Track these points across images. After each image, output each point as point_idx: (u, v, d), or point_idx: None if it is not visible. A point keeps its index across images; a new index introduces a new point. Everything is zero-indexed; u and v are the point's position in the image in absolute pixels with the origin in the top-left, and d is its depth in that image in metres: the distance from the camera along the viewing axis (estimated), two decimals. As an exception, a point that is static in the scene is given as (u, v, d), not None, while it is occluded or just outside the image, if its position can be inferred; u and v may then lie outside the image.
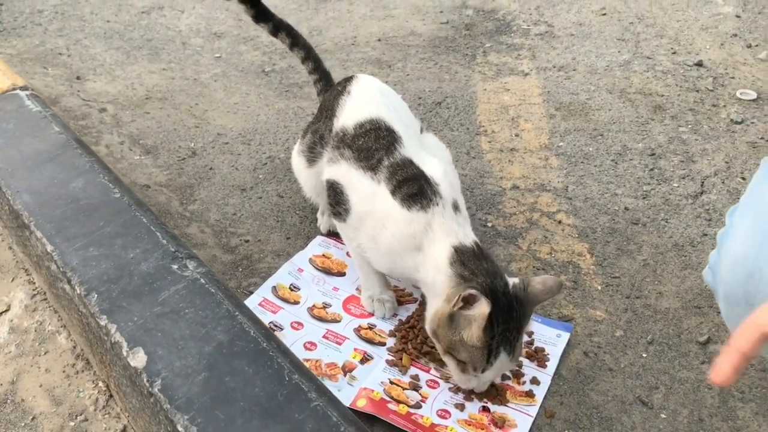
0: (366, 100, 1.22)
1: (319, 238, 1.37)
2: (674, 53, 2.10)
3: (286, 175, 1.51)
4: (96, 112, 1.73)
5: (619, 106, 1.85)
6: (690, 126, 1.77)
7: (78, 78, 1.89)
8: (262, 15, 1.41)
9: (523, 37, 2.19)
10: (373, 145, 1.16)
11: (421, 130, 1.31)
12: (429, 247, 1.10)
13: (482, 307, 0.98)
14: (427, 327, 1.07)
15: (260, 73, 1.99)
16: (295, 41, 1.44)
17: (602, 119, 1.80)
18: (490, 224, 1.47)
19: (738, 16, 2.25)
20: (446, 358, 1.06)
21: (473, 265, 1.07)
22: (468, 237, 1.11)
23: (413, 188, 1.11)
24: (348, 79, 1.30)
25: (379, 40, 2.19)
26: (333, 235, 1.37)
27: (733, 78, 1.96)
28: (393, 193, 1.12)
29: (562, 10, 2.34)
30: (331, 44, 2.18)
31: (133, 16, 2.27)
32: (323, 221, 1.39)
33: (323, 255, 1.33)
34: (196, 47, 2.11)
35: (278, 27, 1.43)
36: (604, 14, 2.31)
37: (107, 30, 2.18)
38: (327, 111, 1.27)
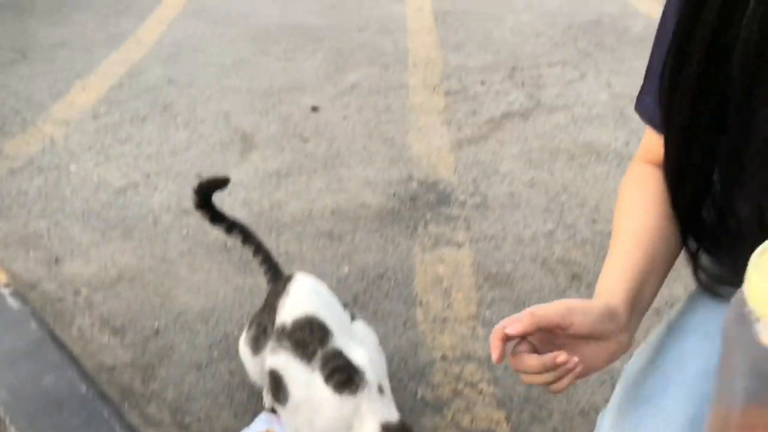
0: (302, 299, 1.44)
1: (263, 415, 1.54)
2: (594, 222, 2.36)
3: (237, 353, 1.70)
4: (71, 295, 1.93)
5: (540, 275, 2.08)
6: (603, 293, 2.00)
7: (56, 261, 2.10)
8: (217, 217, 1.65)
9: (460, 208, 2.46)
10: (308, 338, 1.36)
11: (353, 317, 1.51)
12: (359, 428, 1.30)
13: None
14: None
15: (222, 249, 2.22)
16: (246, 237, 1.67)
17: (525, 288, 2.02)
18: (419, 395, 1.65)
19: (650, 186, 2.54)
20: None
21: (400, 440, 1.27)
22: (393, 415, 1.32)
23: (343, 376, 1.32)
24: (288, 279, 1.52)
25: (333, 213, 2.44)
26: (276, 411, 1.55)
27: (643, 245, 2.21)
28: (326, 381, 1.32)
29: (496, 181, 2.62)
30: (289, 218, 2.42)
31: (110, 194, 2.52)
32: (268, 399, 1.57)
33: (266, 431, 1.50)
34: (166, 224, 2.34)
35: (232, 226, 1.66)
36: (534, 185, 2.59)
37: (85, 210, 2.41)
38: (270, 307, 1.48)
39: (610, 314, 0.79)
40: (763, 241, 0.69)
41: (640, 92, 0.93)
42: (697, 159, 0.85)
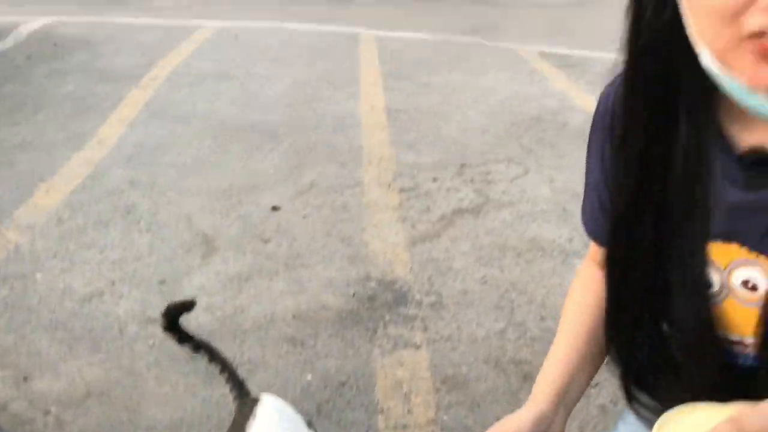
0: (268, 423, 1.53)
1: None
2: (542, 319, 2.51)
3: (208, 471, 1.77)
4: (41, 415, 1.97)
5: (493, 376, 2.20)
6: (552, 392, 2.12)
7: (25, 379, 2.14)
8: (184, 338, 1.74)
9: (417, 308, 2.58)
10: (275, 462, 1.45)
11: (318, 435, 1.60)
12: None
13: None
14: None
15: (188, 359, 2.28)
16: (213, 356, 1.75)
17: (479, 390, 2.14)
18: (382, 505, 1.73)
19: (592, 281, 2.71)
20: None
21: None
22: None
23: (308, 496, 1.40)
24: (255, 401, 1.61)
25: (294, 317, 2.54)
26: None
27: (588, 342, 2.36)
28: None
29: (450, 278, 2.77)
30: (251, 323, 2.51)
31: (76, 303, 2.57)
32: None
33: None
34: (132, 334, 2.41)
35: (198, 346, 1.75)
36: (485, 282, 2.74)
37: (52, 320, 2.46)
38: (238, 430, 1.56)
39: (541, 421, 0.90)
40: (692, 377, 0.82)
41: (582, 207, 1.02)
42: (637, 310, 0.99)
